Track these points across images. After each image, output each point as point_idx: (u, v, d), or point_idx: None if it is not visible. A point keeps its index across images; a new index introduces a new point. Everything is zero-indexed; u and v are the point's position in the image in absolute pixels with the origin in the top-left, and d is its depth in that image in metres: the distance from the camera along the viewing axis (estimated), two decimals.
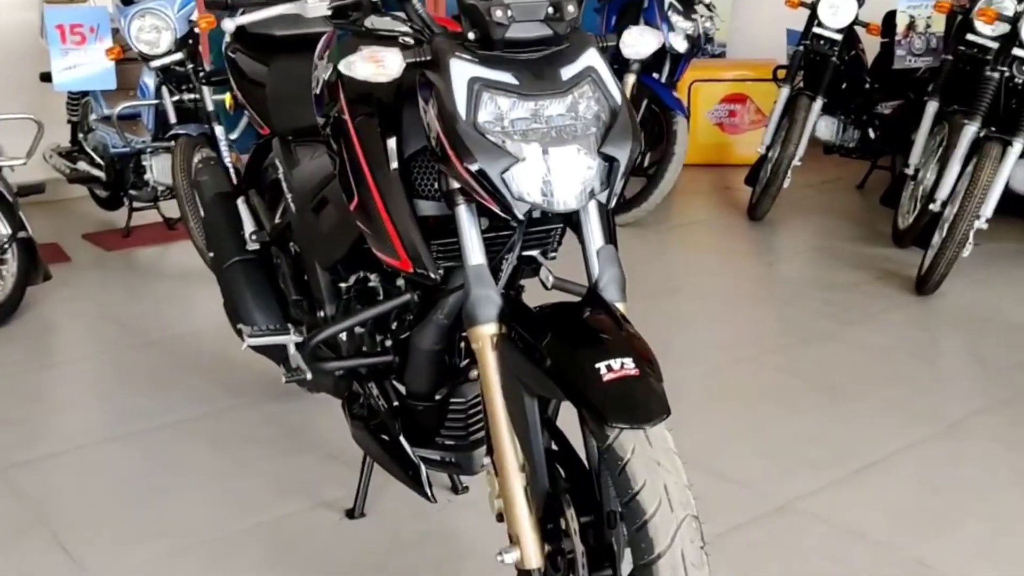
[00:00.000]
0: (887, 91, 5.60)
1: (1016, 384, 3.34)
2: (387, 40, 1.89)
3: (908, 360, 3.58)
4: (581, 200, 1.66)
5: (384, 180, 1.83)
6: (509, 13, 1.64)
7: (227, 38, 2.79)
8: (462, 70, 1.66)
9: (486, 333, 1.72)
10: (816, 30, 5.25)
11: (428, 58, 1.71)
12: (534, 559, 1.68)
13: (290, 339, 2.56)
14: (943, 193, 4.20)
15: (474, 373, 2.04)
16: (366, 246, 1.97)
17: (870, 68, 5.75)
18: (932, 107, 4.77)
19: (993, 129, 4.07)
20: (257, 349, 2.64)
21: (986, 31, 4.46)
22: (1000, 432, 2.99)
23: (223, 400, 3.22)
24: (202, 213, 2.91)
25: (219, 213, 2.82)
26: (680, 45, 5.24)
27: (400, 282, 2.04)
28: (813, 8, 5.23)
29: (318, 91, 2.03)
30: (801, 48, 5.35)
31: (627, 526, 1.48)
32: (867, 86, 5.62)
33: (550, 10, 1.67)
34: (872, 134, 5.66)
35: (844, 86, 5.55)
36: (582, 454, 1.72)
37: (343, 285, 2.26)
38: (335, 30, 2.18)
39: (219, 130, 4.27)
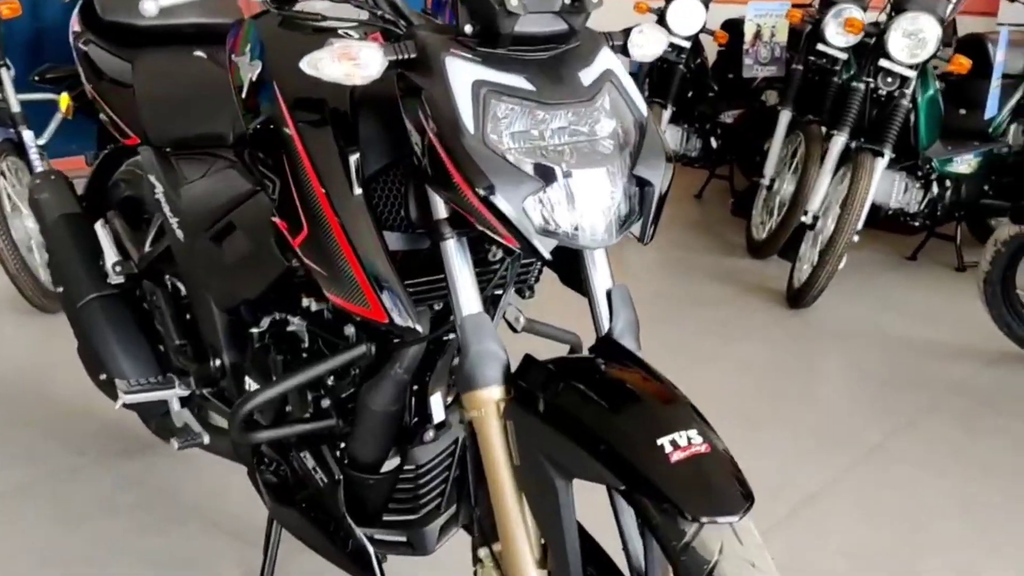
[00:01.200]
0: (730, 100, 5.56)
1: (915, 402, 3.27)
2: (330, 32, 1.54)
3: (803, 379, 3.47)
4: (613, 233, 1.35)
5: (346, 208, 1.46)
6: (524, 5, 1.31)
7: (75, 27, 2.30)
8: (462, 71, 1.33)
9: (490, 398, 1.40)
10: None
11: (413, 55, 1.36)
12: None
13: (175, 393, 2.11)
14: (814, 205, 4.13)
15: (429, 435, 1.70)
16: (300, 281, 1.61)
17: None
18: (786, 117, 4.73)
19: (863, 140, 4.04)
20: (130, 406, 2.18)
21: (839, 42, 4.45)
22: (920, 456, 2.90)
23: (62, 458, 2.69)
24: (42, 239, 2.41)
25: (68, 239, 2.32)
26: None
27: (349, 330, 1.66)
28: (661, 15, 5.10)
29: (244, 95, 1.62)
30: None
31: None
32: (712, 95, 5.56)
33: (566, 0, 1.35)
34: (714, 143, 5.61)
35: (690, 94, 5.47)
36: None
37: (255, 331, 1.85)
38: (247, 19, 1.77)
39: (28, 135, 3.68)
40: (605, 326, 1.49)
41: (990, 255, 3.50)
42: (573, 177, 1.32)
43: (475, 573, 1.54)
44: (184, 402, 2.12)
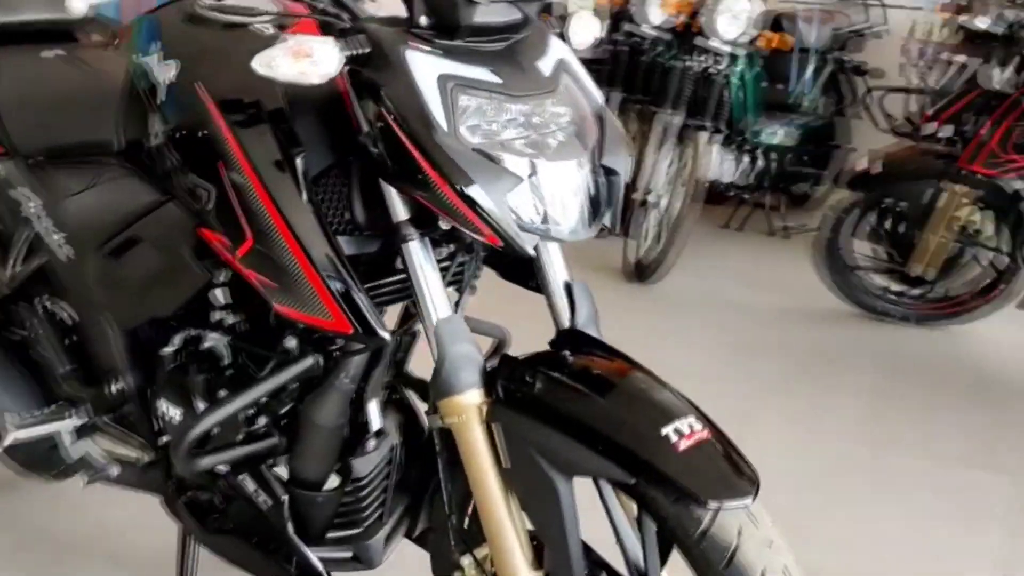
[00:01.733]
0: None
1: (771, 366, 3.42)
2: (238, 27, 1.44)
3: (687, 353, 3.51)
4: (588, 225, 1.33)
5: (296, 214, 1.37)
6: None
7: None
8: (425, 66, 1.27)
9: (471, 403, 1.35)
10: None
11: (367, 50, 1.29)
12: None
13: (70, 424, 1.93)
14: (646, 183, 4.23)
15: (371, 445, 1.64)
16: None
17: None
18: (617, 98, 4.82)
19: (697, 119, 4.17)
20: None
21: (656, 20, 4.56)
22: (852, 429, 3.01)
23: None
24: None
25: None
26: None
27: (291, 343, 1.57)
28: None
29: (163, 98, 1.49)
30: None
31: None
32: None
33: None
34: None
35: None
36: None
37: (167, 351, 1.72)
38: (141, 15, 1.64)
39: None
40: (564, 319, 1.47)
41: (826, 222, 3.69)
42: (547, 171, 1.29)
43: None
44: (79, 433, 1.94)
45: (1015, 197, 3.27)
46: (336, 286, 1.36)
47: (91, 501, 2.36)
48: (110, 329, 1.81)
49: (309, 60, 1.26)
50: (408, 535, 1.76)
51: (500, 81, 1.29)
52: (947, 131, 3.22)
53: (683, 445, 1.22)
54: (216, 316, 1.67)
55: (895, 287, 3.73)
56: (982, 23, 2.97)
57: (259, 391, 1.54)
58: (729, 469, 1.23)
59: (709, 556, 1.20)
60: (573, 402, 1.29)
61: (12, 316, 2.06)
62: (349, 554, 1.70)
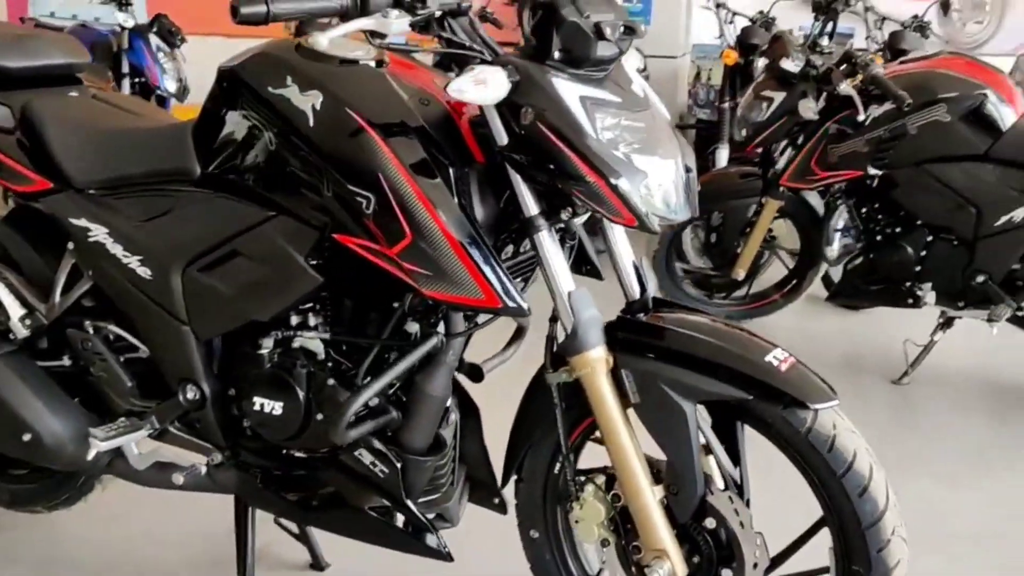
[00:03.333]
0: None
1: None
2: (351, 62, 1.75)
3: None
4: (687, 209, 1.72)
5: (450, 212, 1.67)
6: (617, 33, 1.64)
7: None
8: (568, 89, 1.63)
9: (598, 357, 1.70)
10: None
11: (517, 79, 1.63)
12: (681, 568, 1.72)
13: (142, 434, 2.07)
14: None
15: (452, 417, 1.95)
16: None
17: None
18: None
19: None
20: None
21: None
22: None
23: None
24: None
25: None
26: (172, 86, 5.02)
27: (413, 327, 1.84)
28: None
29: (312, 123, 1.73)
30: None
31: (850, 494, 1.61)
32: None
33: (622, 29, 1.70)
34: None
35: None
36: None
37: (264, 351, 1.93)
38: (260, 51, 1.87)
39: None
40: (635, 291, 1.84)
41: (663, 239, 4.22)
42: (659, 167, 1.67)
43: (571, 509, 1.81)
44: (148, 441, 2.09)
45: (811, 207, 3.97)
46: (487, 269, 1.67)
47: (97, 526, 2.45)
48: (188, 340, 1.99)
49: (485, 86, 1.58)
50: (477, 500, 2.05)
51: (620, 100, 1.66)
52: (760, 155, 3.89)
53: (784, 367, 1.64)
54: (306, 315, 1.92)
55: (719, 292, 4.32)
56: (790, 66, 3.64)
57: (395, 371, 1.80)
58: (817, 381, 1.66)
59: (816, 447, 1.62)
60: (688, 344, 1.67)
61: (55, 343, 2.17)
62: (433, 515, 1.98)
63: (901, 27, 4.75)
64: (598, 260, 1.94)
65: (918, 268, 3.59)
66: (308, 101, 1.74)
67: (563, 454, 1.82)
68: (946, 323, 3.65)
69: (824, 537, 1.71)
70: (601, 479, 1.80)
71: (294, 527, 2.33)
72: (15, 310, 2.12)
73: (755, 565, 1.71)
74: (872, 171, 3.53)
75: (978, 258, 3.45)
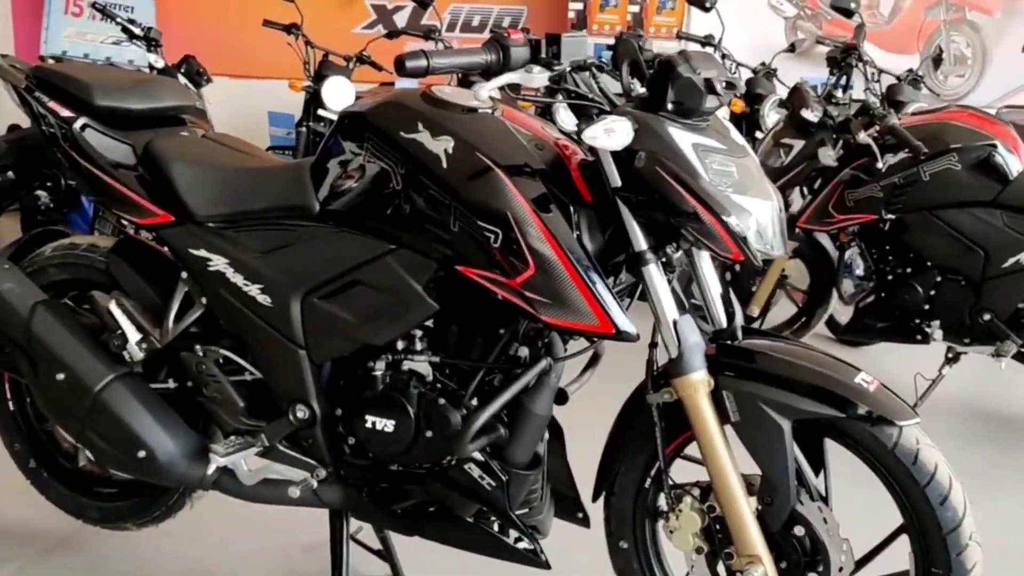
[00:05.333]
0: None
1: None
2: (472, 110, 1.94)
3: None
4: (783, 244, 1.91)
5: (571, 245, 1.85)
6: (721, 87, 1.84)
7: (61, 112, 2.28)
8: (682, 138, 1.82)
9: (700, 379, 1.88)
10: (321, 112, 5.56)
11: (637, 127, 1.82)
12: (772, 573, 1.89)
13: (252, 451, 2.22)
14: None
15: (546, 433, 2.11)
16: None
17: None
18: None
19: None
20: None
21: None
22: None
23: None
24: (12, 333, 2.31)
25: (59, 326, 2.28)
26: None
27: (523, 351, 2.01)
28: (316, 92, 5.53)
29: (446, 165, 1.90)
30: (303, 130, 5.61)
31: (932, 503, 1.80)
32: None
33: (724, 84, 1.90)
34: None
35: None
36: None
37: (377, 373, 2.09)
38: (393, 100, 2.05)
39: None
40: (721, 318, 2.01)
41: (682, 277, 4.43)
42: (760, 207, 1.86)
43: (667, 520, 1.98)
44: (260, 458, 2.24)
45: (823, 248, 4.20)
46: (603, 298, 1.85)
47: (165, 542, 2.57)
48: (302, 363, 2.14)
49: (613, 134, 1.77)
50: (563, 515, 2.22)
51: (725, 147, 1.86)
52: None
53: (871, 388, 1.83)
54: (414, 340, 2.08)
55: None
56: (810, 116, 3.88)
57: (512, 391, 1.97)
58: (900, 402, 1.85)
59: (902, 460, 1.81)
60: (784, 367, 1.86)
61: (171, 366, 2.32)
62: (531, 524, 2.14)
63: (897, 80, 5.02)
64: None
65: (927, 306, 3.82)
66: (441, 145, 1.92)
67: (661, 469, 1.99)
68: (953, 358, 3.87)
69: (901, 543, 1.89)
70: (696, 491, 1.97)
71: (375, 543, 2.47)
72: (132, 334, 2.26)
73: (840, 569, 1.89)
74: (886, 215, 3.76)
75: (985, 298, 3.68)
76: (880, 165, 3.67)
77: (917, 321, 3.85)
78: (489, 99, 1.96)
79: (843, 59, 4.17)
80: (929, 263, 3.79)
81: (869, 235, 3.95)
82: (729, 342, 1.96)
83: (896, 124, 3.62)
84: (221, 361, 2.26)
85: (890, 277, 3.92)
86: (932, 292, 3.80)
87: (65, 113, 2.28)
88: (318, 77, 5.58)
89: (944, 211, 3.68)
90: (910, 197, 3.72)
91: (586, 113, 1.87)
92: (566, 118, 1.93)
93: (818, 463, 1.94)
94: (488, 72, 1.80)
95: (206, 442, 2.27)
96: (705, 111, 1.86)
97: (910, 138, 3.54)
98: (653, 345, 1.98)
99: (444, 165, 1.91)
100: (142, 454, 2.22)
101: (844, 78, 4.20)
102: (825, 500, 1.93)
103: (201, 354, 2.26)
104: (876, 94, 4.62)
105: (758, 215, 1.84)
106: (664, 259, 1.93)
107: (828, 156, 3.82)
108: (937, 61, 5.69)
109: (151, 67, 4.99)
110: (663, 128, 1.82)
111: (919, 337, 3.87)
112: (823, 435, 1.91)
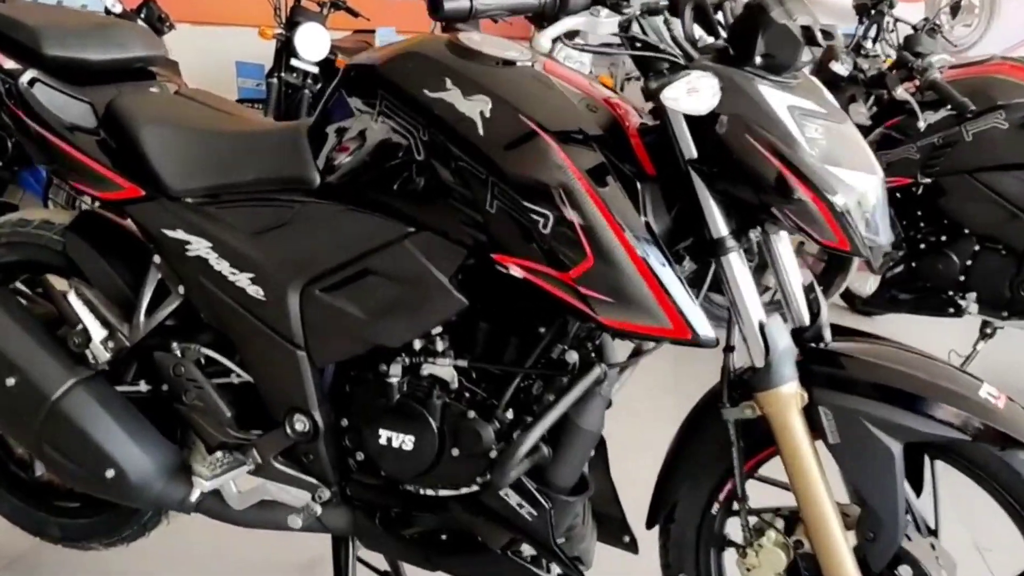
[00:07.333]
0: None
1: None
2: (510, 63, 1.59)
3: None
4: (891, 231, 1.58)
5: (638, 233, 1.51)
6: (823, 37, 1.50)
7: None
8: (776, 98, 1.48)
9: (792, 393, 1.56)
10: (294, 62, 5.14)
11: (722, 85, 1.48)
12: None
13: (245, 469, 1.87)
14: None
15: (591, 452, 1.78)
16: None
17: None
18: None
19: None
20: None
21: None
22: None
23: None
24: None
25: (4, 319, 1.91)
26: None
27: (573, 357, 1.66)
28: (288, 40, 5.10)
29: (482, 132, 1.54)
30: (274, 81, 5.19)
31: None
32: None
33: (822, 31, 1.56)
34: None
35: None
36: None
37: (393, 380, 1.74)
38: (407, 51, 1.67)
39: None
40: (804, 315, 1.68)
41: None
42: (866, 184, 1.52)
43: (743, 555, 1.67)
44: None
45: None
46: (677, 296, 1.51)
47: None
48: (301, 367, 1.79)
49: (698, 95, 1.43)
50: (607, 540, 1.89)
51: (825, 111, 1.52)
52: None
53: (1000, 405, 1.52)
54: (433, 339, 1.74)
55: None
56: (839, 69, 3.53)
57: (563, 405, 1.63)
58: None
59: None
60: (894, 378, 1.53)
61: (140, 367, 1.96)
62: (575, 553, 1.82)
63: (913, 29, 4.69)
64: None
65: (962, 277, 3.53)
66: (475, 107, 1.56)
67: (737, 495, 1.67)
68: (990, 333, 3.59)
69: None
70: (780, 523, 1.66)
71: (383, 564, 2.14)
72: (96, 331, 1.90)
73: None
74: (922, 179, 3.45)
75: None
76: (921, 123, 3.34)
77: (950, 293, 3.56)
78: (528, 50, 1.61)
79: (874, 6, 3.83)
80: (967, 230, 3.49)
81: (901, 200, 3.64)
82: (816, 344, 1.63)
83: (939, 79, 3.30)
84: (203, 362, 1.91)
85: (922, 245, 3.61)
86: (969, 262, 3.50)
87: (9, 65, 1.89)
88: (290, 24, 5.14)
89: (987, 174, 3.37)
90: (949, 159, 3.40)
91: (653, 68, 1.52)
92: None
93: (917, 483, 1.64)
94: (541, 15, 1.45)
95: (187, 457, 1.92)
96: (799, 66, 1.52)
97: (954, 94, 3.22)
98: (729, 349, 1.65)
99: (480, 131, 1.56)
100: (111, 473, 1.86)
101: (874, 28, 3.86)
102: (935, 533, 1.62)
103: (179, 354, 1.90)
104: (891, 44, 4.29)
105: (864, 193, 1.51)
106: (746, 246, 1.60)
107: (860, 114, 3.50)
108: (956, 9, 5.34)
109: (107, 11, 4.53)
110: (752, 87, 1.47)
111: (951, 310, 3.58)
112: (930, 455, 1.60)
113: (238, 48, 5.60)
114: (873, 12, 3.85)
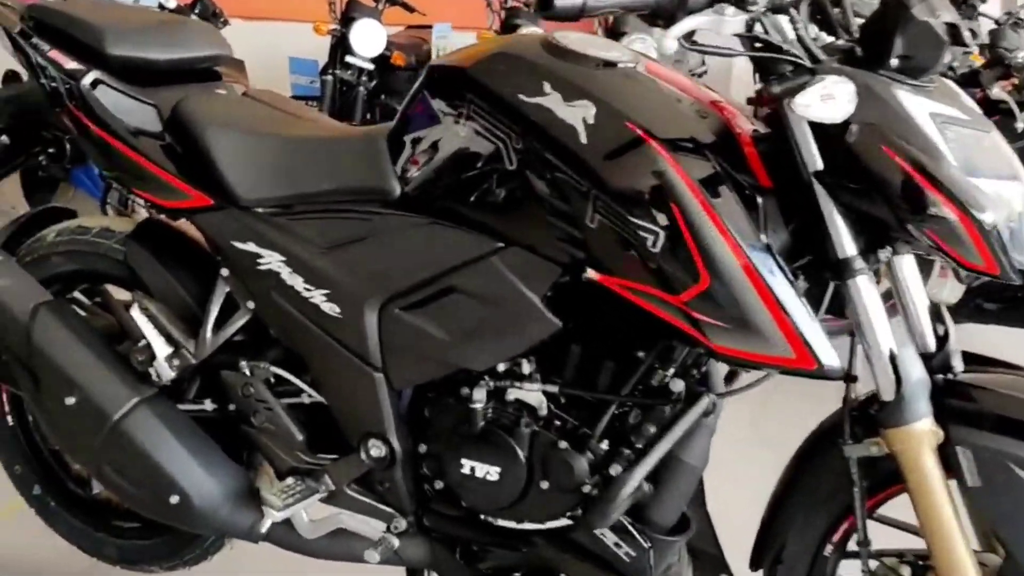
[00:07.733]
0: None
1: None
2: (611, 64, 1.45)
3: None
4: None
5: (758, 252, 1.37)
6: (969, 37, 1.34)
7: (67, 64, 1.79)
8: (915, 104, 1.33)
9: (925, 431, 1.41)
10: (349, 58, 5.02)
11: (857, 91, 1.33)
12: None
13: (319, 497, 1.75)
14: None
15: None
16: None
17: None
18: None
19: None
20: None
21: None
22: None
23: None
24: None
25: (67, 334, 1.80)
26: None
27: (678, 386, 1.52)
28: (343, 36, 4.98)
29: (585, 140, 1.41)
30: (329, 78, 5.07)
31: None
32: None
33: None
34: None
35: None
36: None
37: (477, 406, 1.61)
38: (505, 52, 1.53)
39: None
40: (930, 340, 1.52)
41: None
42: (1015, 200, 1.37)
43: None
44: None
45: None
46: (800, 322, 1.37)
47: None
48: (379, 389, 1.67)
49: (833, 101, 1.28)
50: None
51: (967, 118, 1.37)
52: None
53: None
54: (518, 363, 1.61)
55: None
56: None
57: (672, 436, 1.49)
58: None
59: None
60: None
61: (202, 386, 1.85)
62: None
63: (996, 24, 4.47)
64: None
65: None
66: (577, 113, 1.42)
67: (860, 539, 1.52)
68: None
69: None
70: (907, 570, 1.51)
71: None
72: (161, 348, 1.78)
73: None
74: None
75: None
76: (1019, 124, 3.16)
77: None
78: (629, 51, 1.47)
79: (964, 0, 3.64)
80: None
81: None
82: (945, 374, 1.48)
83: None
84: (272, 381, 1.79)
85: None
86: None
87: (71, 65, 1.78)
88: (345, 19, 5.02)
89: None
90: None
91: (775, 70, 1.37)
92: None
93: None
94: (658, 13, 1.30)
95: (255, 482, 1.80)
96: (940, 69, 1.37)
97: None
98: (851, 379, 1.50)
99: (582, 139, 1.42)
100: (175, 499, 1.75)
101: (966, 20, 3.66)
102: None
103: (248, 373, 1.78)
104: (974, 40, 4.07)
105: (1015, 211, 1.35)
106: (875, 267, 1.44)
107: None
108: None
109: (161, 7, 4.45)
110: (889, 92, 1.33)
111: None
112: None
113: (291, 44, 5.48)
114: (964, 6, 3.65)
